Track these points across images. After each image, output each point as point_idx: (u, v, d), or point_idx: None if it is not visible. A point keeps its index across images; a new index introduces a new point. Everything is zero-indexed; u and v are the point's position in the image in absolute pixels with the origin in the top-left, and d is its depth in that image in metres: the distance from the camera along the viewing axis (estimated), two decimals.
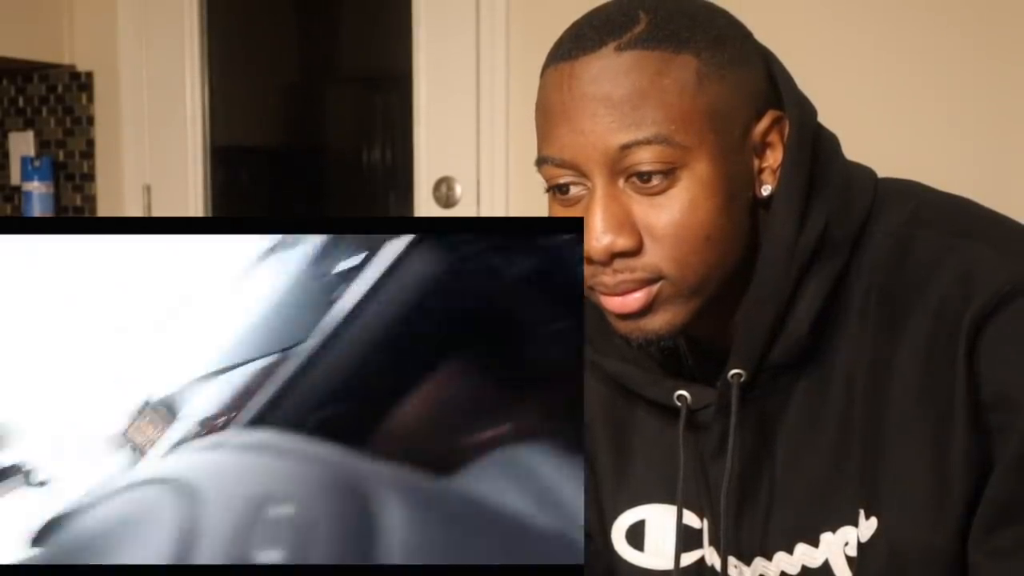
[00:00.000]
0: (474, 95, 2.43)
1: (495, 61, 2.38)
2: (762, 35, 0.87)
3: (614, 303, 0.82)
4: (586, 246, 0.80)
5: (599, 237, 0.79)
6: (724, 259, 0.82)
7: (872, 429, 0.82)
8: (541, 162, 0.83)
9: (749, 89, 0.82)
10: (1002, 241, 0.81)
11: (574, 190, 0.82)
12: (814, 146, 0.85)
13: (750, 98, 0.82)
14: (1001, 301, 0.77)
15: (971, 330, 0.77)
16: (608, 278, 0.81)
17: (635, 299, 0.81)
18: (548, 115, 0.82)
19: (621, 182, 0.80)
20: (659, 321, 0.82)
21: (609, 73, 0.79)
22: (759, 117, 0.83)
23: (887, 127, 2.03)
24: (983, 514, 0.79)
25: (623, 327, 0.84)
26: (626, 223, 0.80)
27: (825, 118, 0.89)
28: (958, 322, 0.78)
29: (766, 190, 0.84)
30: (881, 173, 0.89)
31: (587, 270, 0.82)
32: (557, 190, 0.83)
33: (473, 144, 2.45)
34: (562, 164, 0.81)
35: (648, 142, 0.78)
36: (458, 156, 2.47)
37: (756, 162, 0.83)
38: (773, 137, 0.84)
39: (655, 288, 0.81)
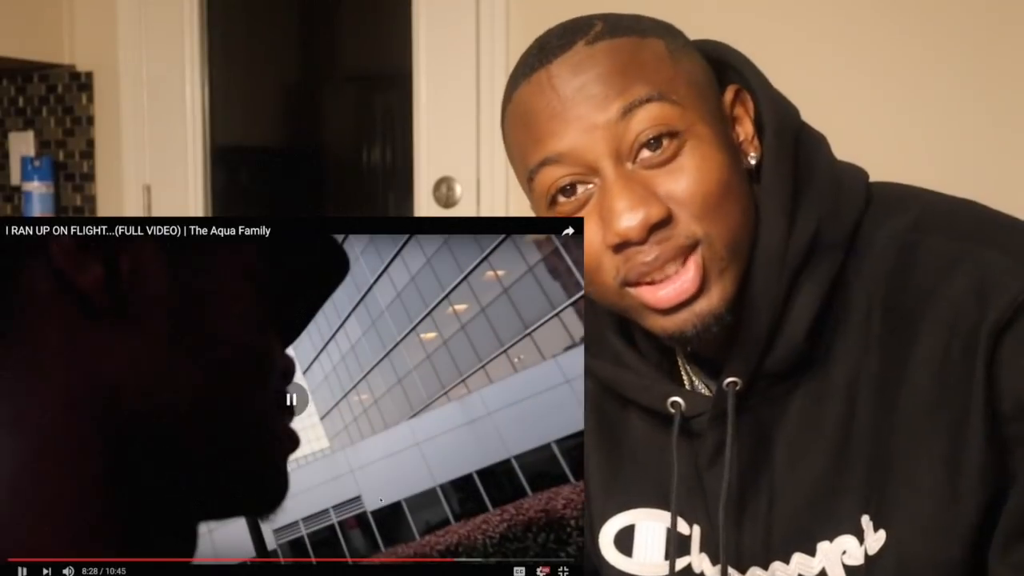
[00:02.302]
0: (474, 95, 2.43)
1: (495, 61, 2.38)
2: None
3: (668, 294, 0.78)
4: (619, 230, 0.77)
5: (631, 216, 0.77)
6: (746, 219, 0.81)
7: (878, 440, 0.81)
8: (537, 169, 0.80)
9: (706, 69, 0.84)
10: (1013, 246, 0.80)
11: (581, 189, 0.80)
12: (796, 147, 0.85)
13: (709, 76, 0.84)
14: (1018, 310, 0.76)
15: (989, 341, 0.76)
16: (645, 256, 0.78)
17: (689, 280, 0.78)
18: (533, 122, 0.80)
19: (630, 165, 0.79)
20: (714, 299, 0.79)
21: (589, 62, 0.79)
22: (721, 92, 0.85)
23: (885, 128, 2.03)
24: (1004, 526, 0.78)
25: (674, 322, 0.80)
26: (650, 195, 0.78)
27: (822, 119, 0.89)
28: (975, 334, 0.77)
29: (752, 159, 0.84)
30: (879, 175, 0.89)
31: (619, 260, 0.79)
32: (561, 194, 0.80)
33: (473, 144, 2.45)
34: (561, 159, 0.79)
35: (647, 100, 0.78)
36: (458, 156, 2.47)
37: (734, 135, 0.84)
38: (739, 110, 0.85)
39: (699, 258, 0.78)
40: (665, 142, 0.78)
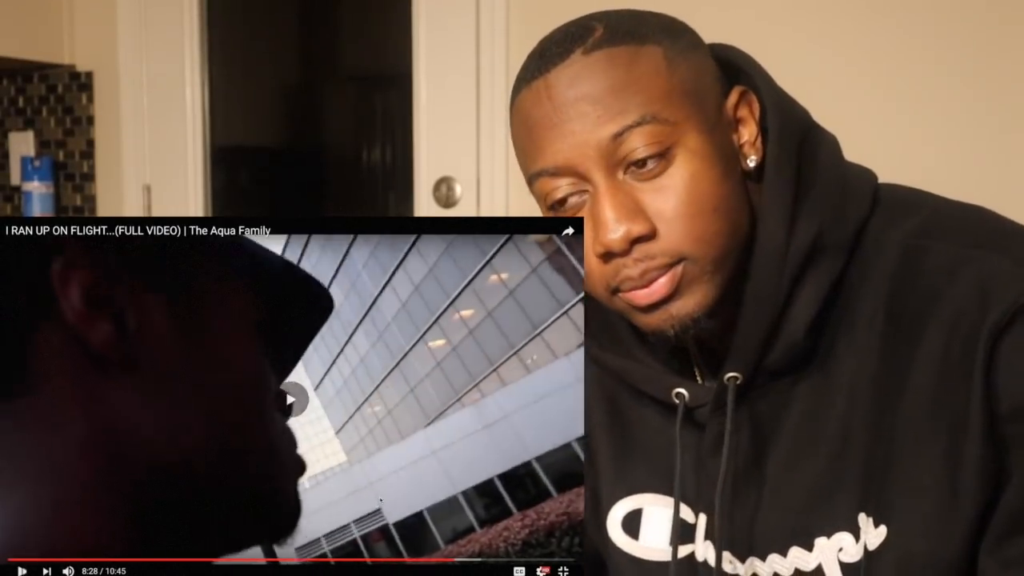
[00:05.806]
0: (474, 95, 2.43)
1: (495, 61, 2.38)
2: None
3: (640, 295, 0.82)
4: (603, 241, 0.80)
5: (614, 228, 0.80)
6: (735, 229, 0.82)
7: (879, 439, 0.82)
8: (535, 178, 0.84)
9: (710, 70, 0.85)
10: (1017, 251, 0.81)
11: (572, 200, 0.82)
12: (802, 148, 0.86)
13: (713, 78, 0.85)
14: (1018, 312, 0.77)
15: (988, 342, 0.77)
16: (631, 270, 0.81)
17: (660, 285, 0.81)
18: (532, 131, 0.83)
19: (620, 174, 0.81)
20: (690, 303, 0.82)
21: (585, 73, 0.81)
22: (726, 94, 0.85)
23: (886, 128, 2.03)
24: (997, 522, 0.79)
25: (654, 320, 0.83)
26: (636, 210, 0.80)
27: (824, 119, 0.89)
28: (975, 335, 0.78)
29: (752, 161, 0.85)
30: (889, 176, 0.89)
31: (608, 270, 0.82)
32: (556, 206, 0.83)
33: (473, 144, 2.45)
34: (557, 172, 0.82)
35: (638, 124, 0.79)
36: (458, 156, 2.47)
37: (735, 137, 0.85)
38: (743, 112, 0.85)
39: (679, 270, 0.81)
40: (652, 163, 0.80)
